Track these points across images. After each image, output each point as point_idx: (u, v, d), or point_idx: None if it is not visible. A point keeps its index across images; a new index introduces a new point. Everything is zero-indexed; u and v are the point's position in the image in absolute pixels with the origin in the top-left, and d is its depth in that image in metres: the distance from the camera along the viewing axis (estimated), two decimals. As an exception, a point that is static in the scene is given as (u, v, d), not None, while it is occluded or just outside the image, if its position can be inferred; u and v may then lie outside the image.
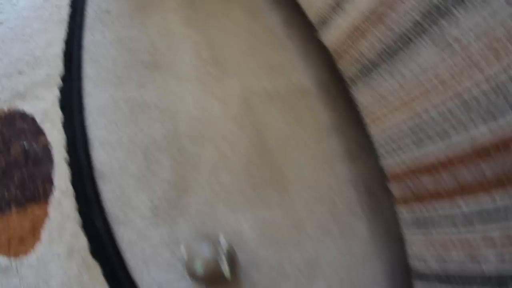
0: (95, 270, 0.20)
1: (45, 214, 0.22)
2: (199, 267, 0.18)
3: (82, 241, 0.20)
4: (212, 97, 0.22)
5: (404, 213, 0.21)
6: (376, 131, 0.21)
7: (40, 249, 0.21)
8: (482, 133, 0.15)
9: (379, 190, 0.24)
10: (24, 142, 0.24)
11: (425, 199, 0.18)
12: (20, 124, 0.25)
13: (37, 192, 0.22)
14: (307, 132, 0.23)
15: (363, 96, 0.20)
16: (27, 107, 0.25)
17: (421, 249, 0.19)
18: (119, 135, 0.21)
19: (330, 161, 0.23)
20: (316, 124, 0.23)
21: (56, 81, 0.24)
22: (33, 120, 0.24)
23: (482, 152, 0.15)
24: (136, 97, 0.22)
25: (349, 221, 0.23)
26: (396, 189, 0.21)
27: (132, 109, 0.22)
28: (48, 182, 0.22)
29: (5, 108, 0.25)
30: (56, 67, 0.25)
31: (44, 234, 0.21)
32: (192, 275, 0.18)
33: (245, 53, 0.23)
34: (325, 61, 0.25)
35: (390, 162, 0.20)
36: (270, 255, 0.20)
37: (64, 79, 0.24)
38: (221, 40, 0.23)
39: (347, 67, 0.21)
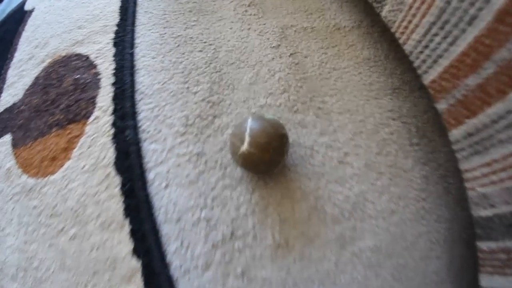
0: (115, 186, 0.17)
1: (82, 132, 0.19)
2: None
3: (109, 155, 0.17)
4: (251, 31, 0.19)
5: (458, 137, 0.14)
6: (410, 43, 0.16)
7: (68, 166, 0.19)
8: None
9: (427, 126, 0.19)
10: (77, 75, 0.23)
11: (476, 106, 0.13)
12: (75, 63, 0.24)
13: (79, 113, 0.20)
14: (348, 65, 0.19)
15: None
16: (84, 49, 0.24)
17: (485, 185, 0.13)
18: (164, 62, 0.19)
19: (373, 93, 0.19)
20: (357, 58, 0.19)
21: (112, 29, 0.23)
22: (87, 58, 0.24)
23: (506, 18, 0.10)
24: (182, 34, 0.20)
25: (398, 159, 0.18)
26: (443, 107, 0.15)
27: (178, 43, 0.20)
28: (91, 104, 0.20)
29: (63, 53, 0.25)
30: (113, 19, 0.24)
31: (76, 152, 0.19)
32: (235, 150, 0.14)
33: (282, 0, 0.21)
34: (364, 5, 0.22)
35: (430, 72, 0.15)
36: (308, 187, 0.16)
37: (119, 25, 0.23)
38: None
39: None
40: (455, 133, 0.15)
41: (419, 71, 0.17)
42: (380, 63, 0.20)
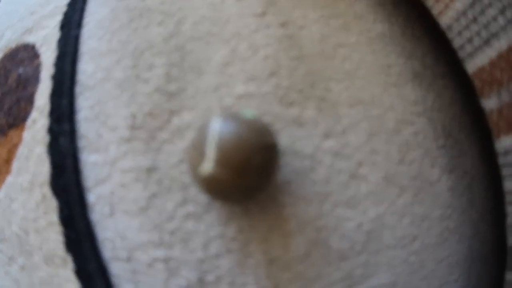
0: (52, 211, 0.10)
1: (20, 139, 0.13)
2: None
3: (44, 170, 0.11)
4: None
5: (509, 147, 0.09)
6: (449, 14, 0.09)
7: (9, 182, 0.12)
8: None
9: (454, 123, 0.13)
10: (21, 69, 0.15)
11: None
12: (21, 54, 0.16)
13: (18, 116, 0.13)
14: (358, 41, 0.12)
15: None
16: (32, 38, 0.16)
17: None
18: (112, 42, 0.12)
19: (392, 79, 0.12)
20: (369, 32, 0.12)
21: (62, 10, 0.16)
22: (33, 47, 0.16)
23: None
24: (138, 6, 0.13)
25: (423, 167, 0.11)
26: (493, 105, 0.09)
27: (132, 17, 0.13)
28: (30, 103, 0.13)
29: (13, 45, 0.17)
30: None
31: (15, 165, 0.12)
32: (194, 171, 0.07)
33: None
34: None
35: (477, 56, 0.09)
36: (308, 215, 0.09)
37: (70, 4, 0.15)
38: None
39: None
40: (505, 142, 0.09)
41: (462, 54, 0.10)
42: (397, 40, 0.13)
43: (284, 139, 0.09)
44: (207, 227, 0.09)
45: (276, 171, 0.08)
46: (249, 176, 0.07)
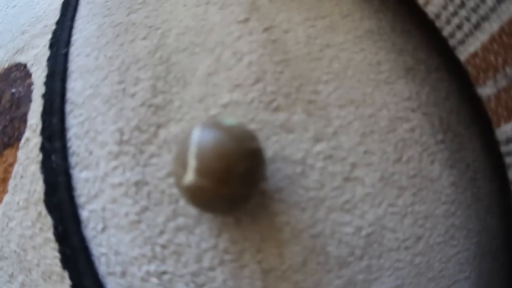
0: (48, 228, 0.10)
1: (15, 158, 0.13)
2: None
3: (39, 188, 0.11)
4: (210, 5, 0.12)
5: (511, 135, 0.09)
6: (436, 2, 0.09)
7: (6, 201, 0.12)
8: None
9: (451, 117, 0.12)
10: (13, 89, 0.15)
11: None
12: (14, 74, 0.17)
13: (13, 135, 0.14)
14: (346, 40, 0.12)
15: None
16: (23, 57, 0.17)
17: None
18: (99, 59, 0.12)
19: (383, 76, 0.12)
20: (356, 30, 0.12)
21: (51, 29, 0.16)
22: (25, 66, 0.16)
23: None
24: (123, 21, 0.13)
25: (423, 164, 0.11)
26: (489, 92, 0.09)
27: (117, 32, 0.13)
28: (23, 122, 0.14)
29: (6, 65, 0.17)
30: (53, 17, 0.17)
31: (11, 184, 0.12)
32: (178, 182, 0.07)
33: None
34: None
35: (469, 43, 0.08)
36: (302, 222, 0.09)
37: (58, 22, 0.16)
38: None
39: None
40: (506, 130, 0.09)
41: (452, 42, 0.10)
42: (386, 37, 0.12)
43: (273, 145, 0.09)
44: (199, 239, 0.09)
45: (262, 178, 0.07)
46: (232, 184, 0.06)
